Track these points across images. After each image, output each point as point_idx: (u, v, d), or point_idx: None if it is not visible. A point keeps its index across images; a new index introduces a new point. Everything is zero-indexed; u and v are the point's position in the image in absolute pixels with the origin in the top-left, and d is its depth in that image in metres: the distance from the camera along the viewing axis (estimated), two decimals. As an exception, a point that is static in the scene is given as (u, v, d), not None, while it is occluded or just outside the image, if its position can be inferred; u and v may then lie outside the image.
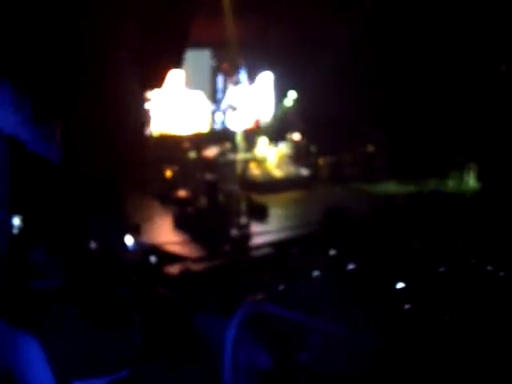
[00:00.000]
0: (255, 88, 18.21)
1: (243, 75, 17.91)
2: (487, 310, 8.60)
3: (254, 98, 18.26)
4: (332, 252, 11.49)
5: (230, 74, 17.75)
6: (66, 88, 12.66)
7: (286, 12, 16.65)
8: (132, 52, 14.39)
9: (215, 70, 17.70)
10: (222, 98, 17.78)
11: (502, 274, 10.06)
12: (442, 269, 9.99)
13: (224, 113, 17.78)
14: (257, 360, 4.17)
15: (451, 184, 17.33)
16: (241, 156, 16.86)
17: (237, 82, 17.82)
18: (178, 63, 16.48)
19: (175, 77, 16.72)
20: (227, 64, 17.62)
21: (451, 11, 16.92)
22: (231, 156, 16.58)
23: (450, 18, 16.97)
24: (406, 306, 8.58)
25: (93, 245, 10.29)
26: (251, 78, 18.08)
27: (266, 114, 18.54)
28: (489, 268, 10.27)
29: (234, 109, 17.64)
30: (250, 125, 18.02)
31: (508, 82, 17.07)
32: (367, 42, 17.05)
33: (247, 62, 17.74)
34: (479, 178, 17.15)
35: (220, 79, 17.76)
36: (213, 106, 17.61)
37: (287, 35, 16.98)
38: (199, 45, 16.89)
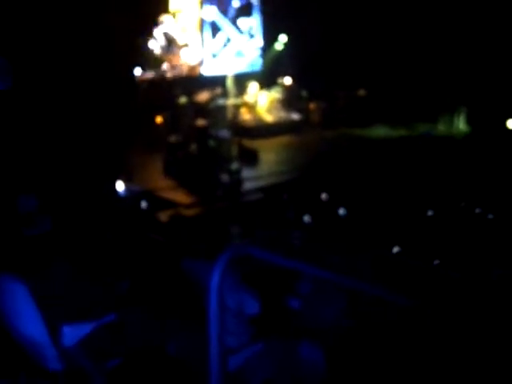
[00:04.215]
0: (245, 33, 18.04)
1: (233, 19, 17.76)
2: (475, 253, 8.71)
3: (243, 43, 18.09)
4: (323, 196, 11.55)
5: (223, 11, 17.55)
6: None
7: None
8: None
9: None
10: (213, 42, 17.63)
11: (490, 216, 10.16)
12: (430, 212, 10.08)
13: (217, 57, 17.65)
14: (245, 304, 4.23)
15: (441, 127, 17.35)
16: (232, 101, 16.75)
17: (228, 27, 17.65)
18: (167, 8, 16.41)
19: (166, 20, 16.62)
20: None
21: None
22: (222, 101, 16.46)
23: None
24: (395, 250, 8.69)
25: (85, 191, 10.29)
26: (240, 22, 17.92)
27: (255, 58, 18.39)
28: (477, 211, 10.37)
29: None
30: (241, 69, 17.87)
31: (497, 27, 16.91)
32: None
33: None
34: (469, 121, 17.17)
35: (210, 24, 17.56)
36: (204, 49, 17.45)
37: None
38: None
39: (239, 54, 18.01)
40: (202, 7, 17.10)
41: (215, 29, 17.49)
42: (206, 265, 3.37)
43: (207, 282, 2.59)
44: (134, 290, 3.37)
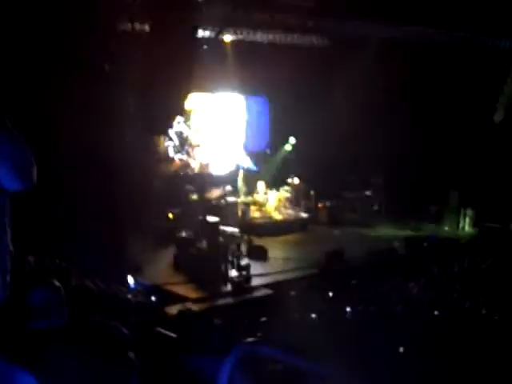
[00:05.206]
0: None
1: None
2: (482, 354, 8.70)
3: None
4: (330, 294, 11.62)
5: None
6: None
7: (286, 63, 16.97)
8: (138, 98, 14.70)
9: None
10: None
11: (496, 317, 10.16)
12: (437, 312, 10.11)
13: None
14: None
15: (447, 228, 17.51)
16: (242, 199, 17.10)
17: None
18: (182, 110, 16.95)
19: (181, 122, 17.19)
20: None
21: (443, 60, 17.34)
22: (232, 199, 16.79)
23: (442, 68, 17.39)
24: (401, 350, 8.70)
25: (93, 284, 10.42)
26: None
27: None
28: (483, 312, 10.38)
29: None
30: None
31: (503, 129, 17.37)
32: (364, 91, 17.41)
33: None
34: (475, 223, 17.30)
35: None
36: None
37: (288, 86, 17.36)
38: (202, 90, 17.38)
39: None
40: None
41: None
42: (213, 361, 3.49)
43: (215, 380, 2.72)
44: (145, 384, 3.48)
